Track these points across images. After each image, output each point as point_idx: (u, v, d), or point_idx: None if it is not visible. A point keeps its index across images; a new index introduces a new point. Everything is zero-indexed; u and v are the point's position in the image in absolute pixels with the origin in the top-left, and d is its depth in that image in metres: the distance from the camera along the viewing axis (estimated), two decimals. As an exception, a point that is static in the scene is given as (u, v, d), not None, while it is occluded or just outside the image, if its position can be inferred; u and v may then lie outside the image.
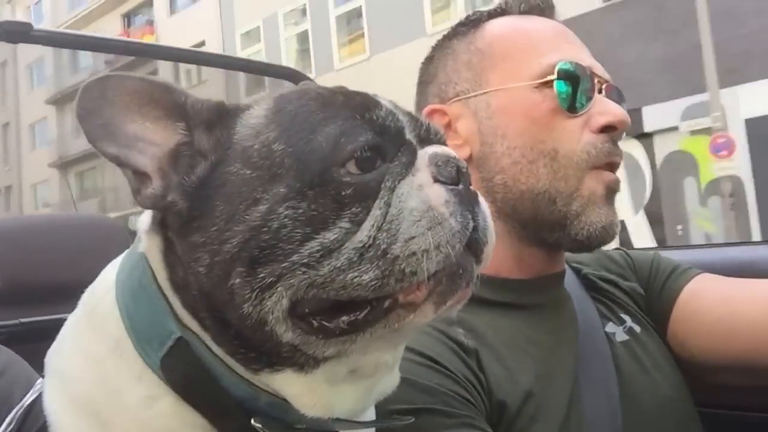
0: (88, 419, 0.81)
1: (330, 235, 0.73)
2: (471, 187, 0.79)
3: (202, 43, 23.98)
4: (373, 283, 0.72)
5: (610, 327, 1.35)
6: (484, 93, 1.29)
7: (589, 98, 1.25)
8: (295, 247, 0.73)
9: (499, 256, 1.22)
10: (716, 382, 1.39)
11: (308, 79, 2.41)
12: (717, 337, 1.32)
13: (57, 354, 0.90)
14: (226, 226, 0.75)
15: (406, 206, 0.74)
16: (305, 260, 0.72)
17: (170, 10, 29.10)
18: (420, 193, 0.75)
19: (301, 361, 0.77)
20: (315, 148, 0.75)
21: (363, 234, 0.73)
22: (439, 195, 0.75)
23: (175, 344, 0.79)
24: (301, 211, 0.74)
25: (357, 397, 0.82)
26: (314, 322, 0.75)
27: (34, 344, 1.35)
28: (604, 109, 1.25)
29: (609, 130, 1.25)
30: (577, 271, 1.43)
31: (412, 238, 0.72)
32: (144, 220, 0.86)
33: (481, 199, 0.80)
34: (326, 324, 0.75)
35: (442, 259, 0.72)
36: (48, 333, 1.32)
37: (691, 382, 1.37)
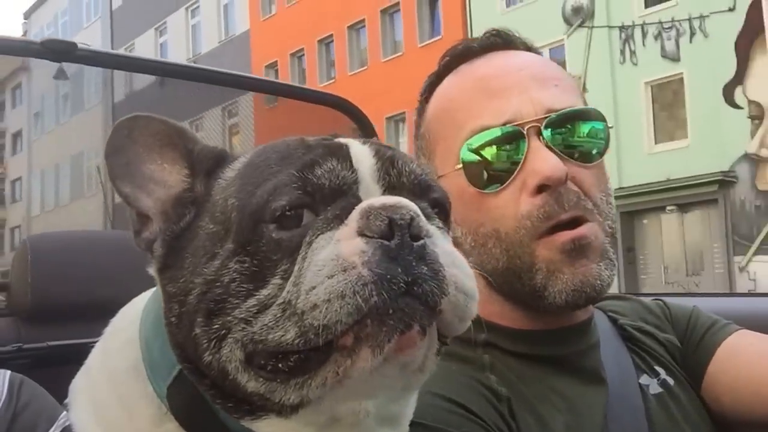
0: None
1: (265, 291, 0.75)
2: (420, 241, 0.75)
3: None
4: (295, 340, 0.73)
5: (644, 379, 1.32)
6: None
7: (514, 162, 1.18)
8: (240, 302, 0.76)
9: (507, 314, 1.24)
10: None
11: (359, 110, 2.45)
12: (752, 393, 1.29)
13: (85, 374, 0.96)
14: (190, 278, 0.80)
15: (315, 258, 0.74)
16: (243, 315, 0.75)
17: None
18: (335, 245, 0.74)
19: (276, 409, 0.79)
20: (251, 203, 0.78)
21: (285, 290, 0.74)
22: (353, 246, 0.73)
23: (178, 375, 0.83)
24: (246, 266, 0.77)
25: None
26: (269, 366, 0.76)
27: (59, 367, 1.41)
28: (534, 167, 1.17)
29: (545, 189, 1.17)
30: (614, 321, 1.40)
31: (313, 288, 0.72)
32: None
33: (440, 251, 0.77)
34: (279, 366, 0.76)
35: (352, 309, 0.71)
36: (73, 357, 1.36)
37: None
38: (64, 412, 0.93)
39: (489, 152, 1.18)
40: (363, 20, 26.29)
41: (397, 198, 0.79)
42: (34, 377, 1.38)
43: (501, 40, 1.33)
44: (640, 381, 1.31)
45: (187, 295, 0.80)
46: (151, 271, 0.89)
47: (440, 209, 0.88)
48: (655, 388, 1.32)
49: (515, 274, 1.20)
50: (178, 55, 31.43)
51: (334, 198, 0.79)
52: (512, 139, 1.18)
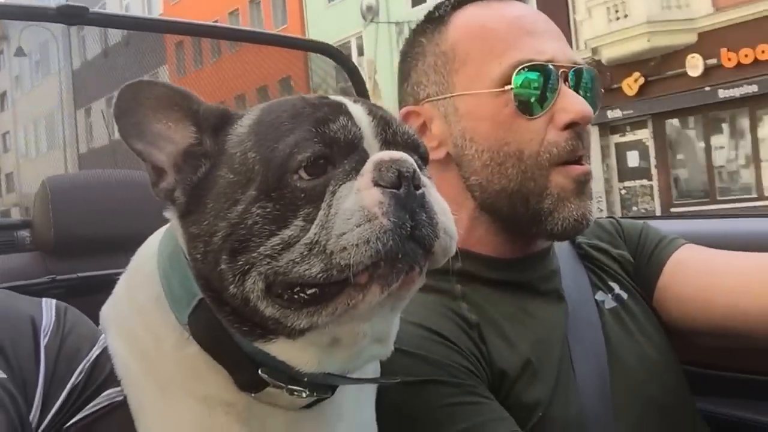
0: (141, 359, 1.00)
1: (288, 232, 0.87)
2: (420, 191, 0.88)
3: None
4: (319, 275, 0.85)
5: (600, 295, 1.45)
6: (451, 96, 1.35)
7: (550, 97, 1.29)
8: (263, 241, 0.87)
9: (489, 239, 1.36)
10: (698, 344, 1.51)
11: (342, 54, 2.66)
12: (697, 304, 1.42)
13: (113, 305, 1.10)
14: (213, 221, 0.91)
15: (342, 207, 0.86)
16: (268, 252, 0.87)
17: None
18: (356, 195, 0.86)
19: (286, 332, 0.91)
20: (276, 156, 0.89)
21: (312, 232, 0.86)
22: (373, 197, 0.85)
23: (198, 304, 0.96)
24: (268, 210, 0.88)
25: (343, 359, 0.96)
26: (286, 295, 0.89)
27: (89, 296, 1.55)
28: (566, 106, 1.29)
29: (572, 126, 1.29)
30: (572, 240, 1.52)
31: (343, 234, 0.84)
32: None
33: (432, 200, 0.89)
34: (295, 297, 0.88)
35: (373, 252, 0.83)
36: (101, 287, 1.51)
37: (676, 344, 1.48)
38: (102, 336, 1.04)
39: (534, 84, 1.28)
40: (237, 9, 33.63)
41: (401, 153, 0.91)
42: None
43: None
44: (596, 297, 1.44)
45: (212, 236, 0.90)
46: (168, 215, 1.00)
47: (425, 162, 1.01)
48: (609, 303, 1.45)
49: (524, 196, 1.30)
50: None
51: (348, 151, 0.90)
52: (550, 76, 1.29)
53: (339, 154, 0.90)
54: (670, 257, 1.49)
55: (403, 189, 0.86)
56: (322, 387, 0.98)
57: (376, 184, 0.87)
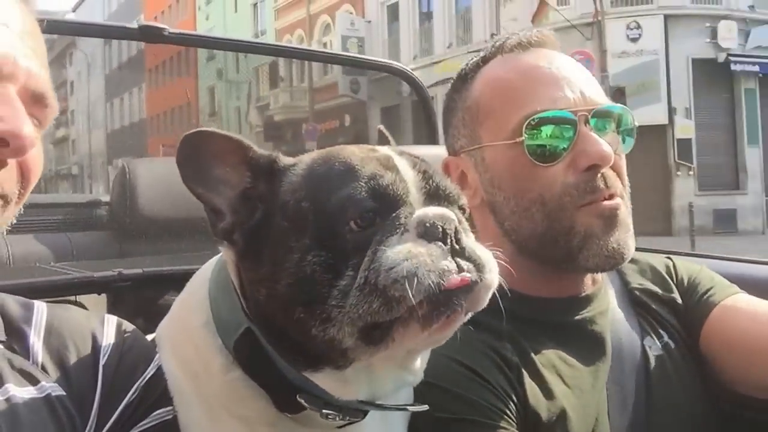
0: (192, 379, 1.08)
1: (342, 282, 0.93)
2: (460, 245, 0.94)
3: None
4: (381, 309, 0.90)
5: (648, 341, 1.45)
6: (479, 148, 1.40)
7: (566, 143, 1.31)
8: (327, 291, 0.93)
9: (531, 280, 1.37)
10: (740, 392, 1.47)
11: (413, 76, 2.75)
12: (742, 353, 1.40)
13: (169, 325, 1.18)
14: (273, 269, 0.98)
15: (390, 250, 0.92)
16: (334, 303, 0.93)
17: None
18: (402, 246, 0.92)
19: (340, 363, 0.99)
20: (329, 208, 0.95)
21: (359, 276, 0.92)
22: (418, 245, 0.92)
23: (245, 332, 1.03)
24: (322, 258, 0.94)
25: (375, 387, 1.03)
26: (356, 336, 0.94)
27: (152, 289, 1.64)
28: (585, 149, 1.30)
29: (593, 168, 1.31)
30: (626, 284, 1.53)
31: (392, 268, 0.90)
32: None
33: (472, 250, 0.96)
34: (362, 336, 0.94)
35: (423, 286, 0.89)
36: (163, 282, 1.60)
37: (717, 391, 1.47)
38: (157, 355, 1.12)
39: (546, 132, 1.31)
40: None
41: (443, 209, 0.98)
42: (131, 297, 1.62)
43: (545, 39, 1.45)
44: (644, 342, 1.44)
45: (275, 282, 0.97)
46: (223, 251, 1.07)
47: (464, 213, 1.05)
48: (657, 350, 1.45)
49: (553, 237, 1.33)
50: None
51: (395, 206, 0.97)
52: (566, 123, 1.32)
53: (386, 208, 0.96)
54: (720, 303, 1.47)
55: (447, 246, 0.93)
56: (355, 411, 1.04)
57: (420, 236, 0.93)
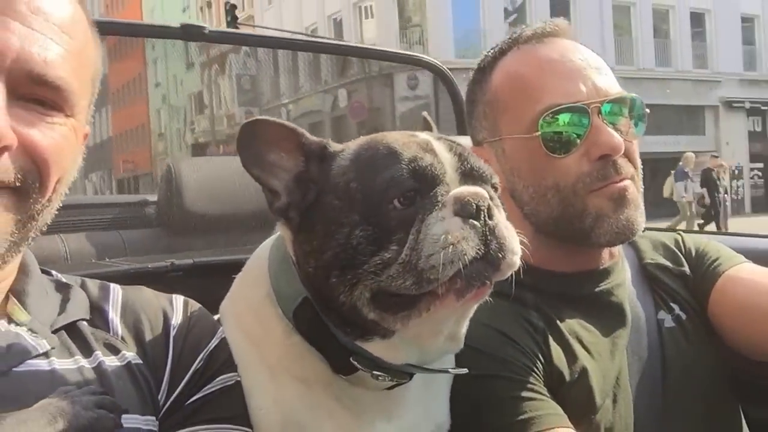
0: (255, 346, 1.21)
1: (386, 254, 1.06)
2: (492, 220, 1.06)
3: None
4: (412, 286, 1.04)
5: (662, 314, 1.57)
6: (499, 139, 1.51)
7: (579, 134, 1.41)
8: (367, 259, 1.06)
9: (551, 257, 1.49)
10: (747, 356, 1.55)
11: (443, 70, 2.86)
12: (747, 321, 1.50)
13: (230, 301, 1.30)
14: (323, 240, 1.10)
15: (430, 232, 1.04)
16: (372, 269, 1.06)
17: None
18: (440, 223, 1.04)
19: (382, 332, 1.11)
20: (375, 188, 1.08)
21: (404, 253, 1.05)
22: (455, 225, 1.04)
23: (303, 301, 1.15)
24: (369, 233, 1.07)
25: (421, 353, 1.16)
26: (385, 303, 1.08)
27: (202, 279, 1.73)
28: (597, 140, 1.41)
29: (605, 157, 1.41)
30: (640, 260, 1.64)
31: (431, 255, 1.03)
32: None
33: (502, 225, 1.08)
34: (392, 304, 1.08)
35: (455, 271, 1.02)
36: (213, 271, 1.70)
37: (727, 355, 1.56)
38: (221, 328, 1.25)
39: (561, 125, 1.42)
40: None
41: (477, 188, 1.09)
42: (183, 286, 1.71)
43: (559, 29, 1.54)
44: (658, 316, 1.55)
45: (323, 253, 1.09)
46: (279, 229, 1.20)
47: (496, 190, 1.17)
48: (669, 322, 1.56)
49: (567, 219, 1.45)
50: None
51: (434, 184, 1.08)
52: (580, 115, 1.42)
53: (426, 187, 1.08)
54: (725, 273, 1.57)
55: (480, 221, 1.05)
56: (402, 374, 1.17)
57: (456, 214, 1.04)
